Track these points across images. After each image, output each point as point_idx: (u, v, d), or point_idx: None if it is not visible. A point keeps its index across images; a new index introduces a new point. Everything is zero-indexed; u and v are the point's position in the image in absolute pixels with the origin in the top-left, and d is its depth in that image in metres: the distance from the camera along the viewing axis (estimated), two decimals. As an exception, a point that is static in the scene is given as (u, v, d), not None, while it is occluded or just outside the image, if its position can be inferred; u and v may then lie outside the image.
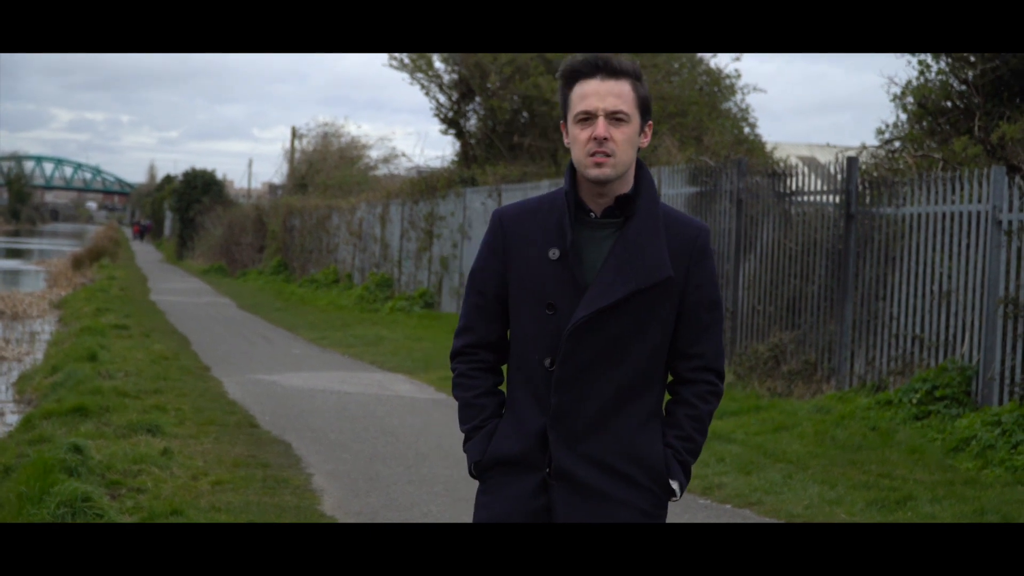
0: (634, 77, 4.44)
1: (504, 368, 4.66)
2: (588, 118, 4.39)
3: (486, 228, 4.83)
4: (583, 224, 4.45)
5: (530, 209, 4.56)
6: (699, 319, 4.50)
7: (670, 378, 4.60)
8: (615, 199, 4.45)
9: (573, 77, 4.45)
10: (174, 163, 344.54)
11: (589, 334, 4.38)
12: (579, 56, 4.47)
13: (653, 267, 4.38)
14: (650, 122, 4.52)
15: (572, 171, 4.50)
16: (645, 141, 4.49)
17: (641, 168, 4.52)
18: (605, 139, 4.35)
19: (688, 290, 4.47)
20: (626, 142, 4.39)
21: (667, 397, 4.60)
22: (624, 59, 4.42)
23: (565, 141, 4.52)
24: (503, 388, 4.63)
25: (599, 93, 4.38)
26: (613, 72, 4.40)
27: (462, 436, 4.67)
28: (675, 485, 4.43)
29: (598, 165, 4.36)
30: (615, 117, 4.37)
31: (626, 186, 4.47)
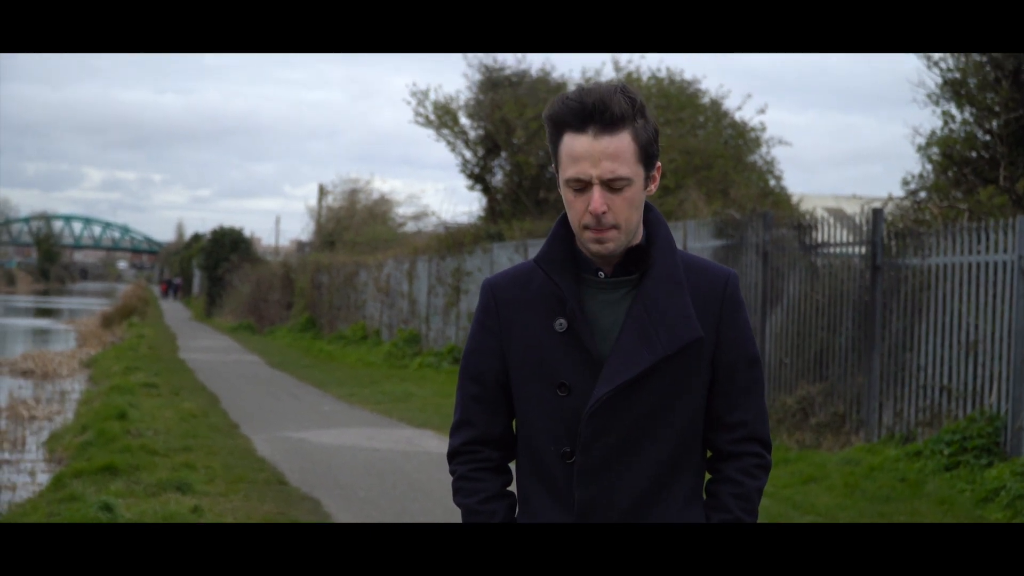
0: (634, 119, 3.68)
1: (512, 465, 3.98)
2: (581, 187, 3.69)
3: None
4: (591, 286, 3.80)
5: (525, 274, 3.89)
6: (737, 381, 3.83)
7: (709, 453, 3.93)
8: (625, 253, 3.78)
9: (560, 127, 3.72)
10: (202, 221, 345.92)
11: (612, 414, 3.72)
12: (569, 96, 3.73)
13: (679, 328, 3.73)
14: (658, 164, 3.80)
15: (566, 222, 3.86)
16: (654, 187, 3.80)
17: (651, 212, 3.86)
18: (604, 213, 3.67)
19: (721, 348, 3.82)
20: (630, 207, 3.71)
21: (707, 476, 3.94)
22: (622, 99, 3.67)
23: (561, 191, 3.81)
24: (513, 488, 3.96)
25: (592, 156, 3.64)
26: (609, 124, 3.65)
27: None
28: None
29: (599, 242, 3.71)
30: (612, 184, 3.67)
31: (636, 237, 3.80)
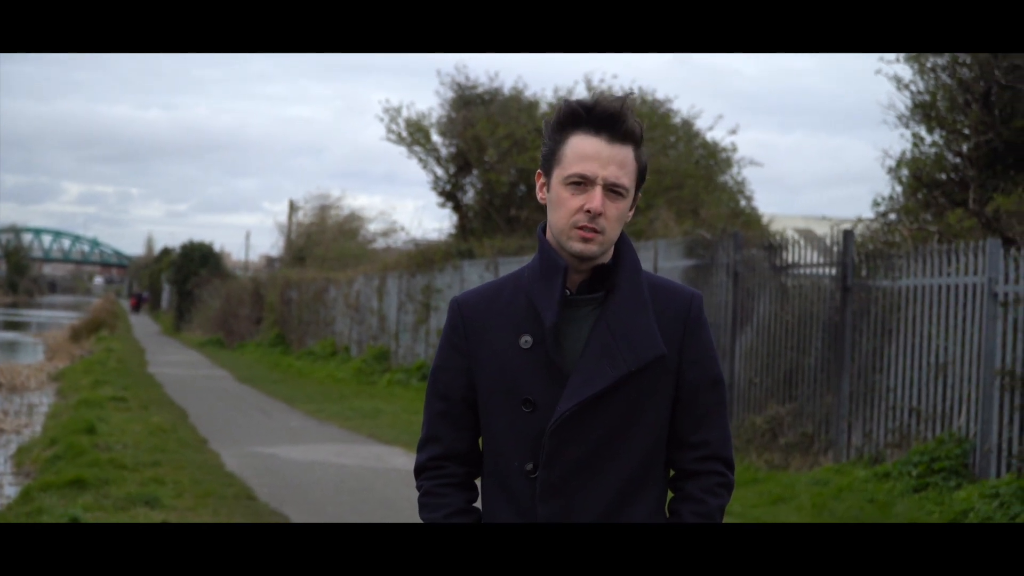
0: (638, 143, 3.79)
1: (478, 482, 4.00)
2: (583, 183, 3.74)
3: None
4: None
5: (492, 293, 3.94)
6: (699, 401, 3.86)
7: (671, 473, 3.95)
8: (591, 271, 3.84)
9: (571, 124, 3.79)
10: (172, 235, 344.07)
11: (576, 430, 3.75)
12: (586, 100, 3.80)
13: (643, 345, 3.76)
14: (639, 194, 3.89)
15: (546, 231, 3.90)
16: (630, 215, 3.87)
17: (619, 235, 3.89)
18: (599, 214, 3.73)
19: (684, 368, 3.84)
20: (618, 219, 3.78)
21: (670, 495, 3.96)
22: (635, 120, 3.77)
23: (539, 195, 3.91)
24: (478, 505, 3.96)
25: (601, 158, 3.73)
26: (621, 135, 3.75)
27: None
28: None
29: (585, 240, 3.75)
30: (613, 190, 3.74)
31: (605, 257, 3.85)
